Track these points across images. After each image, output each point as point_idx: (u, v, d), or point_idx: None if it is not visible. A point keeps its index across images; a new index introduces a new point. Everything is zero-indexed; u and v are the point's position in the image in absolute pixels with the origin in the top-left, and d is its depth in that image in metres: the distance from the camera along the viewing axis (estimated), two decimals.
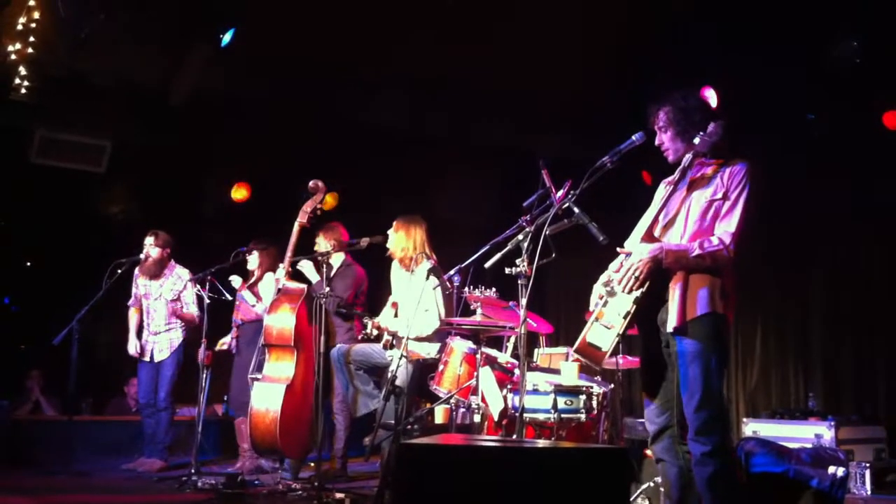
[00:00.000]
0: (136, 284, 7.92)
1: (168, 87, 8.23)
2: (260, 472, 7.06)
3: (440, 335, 6.38)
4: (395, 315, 6.73)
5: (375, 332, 6.58)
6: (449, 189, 10.31)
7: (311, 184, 7.05)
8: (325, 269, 6.45)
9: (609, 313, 3.97)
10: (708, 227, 4.03)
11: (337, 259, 7.33)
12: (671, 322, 3.96)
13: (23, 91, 7.72)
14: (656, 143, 4.29)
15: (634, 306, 3.92)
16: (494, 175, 9.82)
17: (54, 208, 9.47)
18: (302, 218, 6.94)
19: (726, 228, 3.96)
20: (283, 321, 6.57)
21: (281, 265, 6.81)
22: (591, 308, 4.16)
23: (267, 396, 6.43)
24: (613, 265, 4.26)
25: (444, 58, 7.74)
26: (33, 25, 7.00)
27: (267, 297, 7.09)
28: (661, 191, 4.39)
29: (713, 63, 7.19)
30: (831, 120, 7.57)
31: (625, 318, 3.92)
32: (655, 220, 4.15)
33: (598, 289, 4.20)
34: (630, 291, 3.92)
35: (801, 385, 8.62)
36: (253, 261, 7.58)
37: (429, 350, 6.35)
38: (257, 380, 6.63)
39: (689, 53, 7.16)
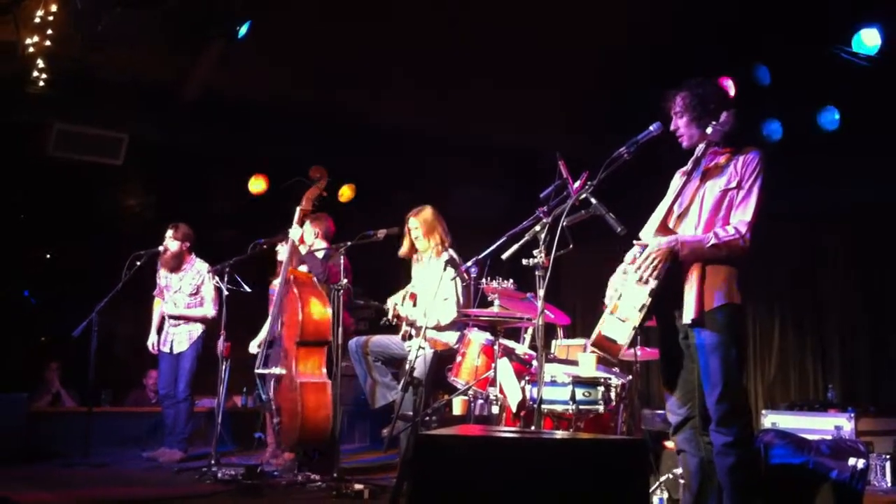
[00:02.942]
0: (158, 275, 7.96)
1: (183, 81, 8.25)
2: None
3: (458, 325, 6.38)
4: (414, 306, 6.72)
5: (395, 321, 6.56)
6: (462, 184, 10.34)
7: (312, 171, 7.07)
8: (342, 260, 6.45)
9: (624, 306, 3.97)
10: (723, 217, 4.03)
11: (318, 247, 7.32)
12: (688, 314, 3.95)
13: (40, 84, 7.74)
14: (671, 127, 4.29)
15: (650, 299, 3.91)
16: (507, 170, 9.84)
17: (73, 201, 9.51)
18: (306, 205, 6.95)
19: (741, 217, 3.96)
20: (320, 314, 6.53)
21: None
22: (605, 301, 4.16)
23: (318, 393, 6.41)
24: (628, 258, 4.25)
25: (454, 54, 7.74)
26: (51, 18, 7.02)
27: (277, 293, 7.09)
28: (677, 181, 4.39)
29: (724, 56, 7.17)
30: (846, 112, 7.52)
31: (640, 310, 3.91)
32: (670, 210, 4.14)
33: (613, 283, 4.20)
34: (647, 281, 3.91)
35: (820, 376, 8.59)
36: (284, 252, 7.60)
37: (448, 338, 6.35)
38: (273, 375, 6.64)
39: (699, 49, 7.14)
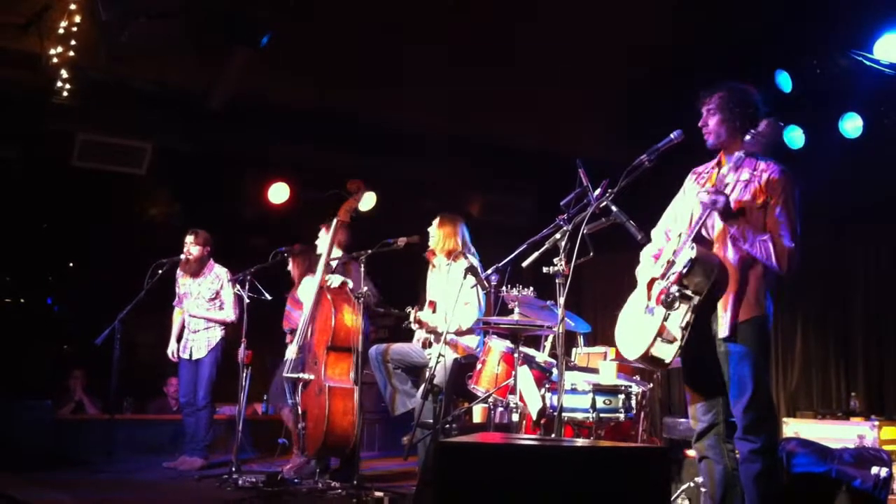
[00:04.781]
0: (178, 284, 8.00)
1: (208, 90, 8.31)
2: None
3: (479, 331, 6.37)
4: (433, 313, 6.71)
5: (416, 327, 6.55)
6: (483, 191, 10.35)
7: (350, 184, 7.12)
8: (363, 268, 6.46)
9: (671, 326, 3.94)
10: (756, 229, 3.99)
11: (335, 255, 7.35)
12: (722, 327, 3.96)
13: (64, 94, 7.80)
14: (700, 123, 4.27)
15: (693, 315, 3.89)
16: (531, 175, 9.84)
17: (96, 210, 9.58)
18: (343, 216, 7.03)
19: (781, 233, 3.94)
20: (350, 322, 6.61)
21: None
22: (645, 304, 4.12)
23: (344, 399, 6.47)
24: (650, 252, 4.25)
25: (473, 59, 7.76)
26: (74, 29, 7.08)
27: (306, 301, 7.10)
28: (691, 181, 4.38)
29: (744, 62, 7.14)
30: (872, 117, 7.48)
31: (685, 329, 3.90)
32: (702, 223, 4.08)
33: (642, 275, 4.20)
34: (690, 297, 3.89)
35: (843, 384, 8.52)
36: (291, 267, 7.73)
37: (469, 343, 6.33)
38: (299, 379, 6.68)
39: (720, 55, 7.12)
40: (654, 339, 3.94)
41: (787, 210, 3.98)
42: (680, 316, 3.92)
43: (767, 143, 4.11)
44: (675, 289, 3.95)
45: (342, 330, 6.59)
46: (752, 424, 3.88)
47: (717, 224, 4.11)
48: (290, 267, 7.76)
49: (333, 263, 7.10)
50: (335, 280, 6.85)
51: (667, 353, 3.93)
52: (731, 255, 4.01)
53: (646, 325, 4.01)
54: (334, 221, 7.06)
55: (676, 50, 7.29)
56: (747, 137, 4.08)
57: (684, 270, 3.93)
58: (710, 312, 4.00)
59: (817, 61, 7.18)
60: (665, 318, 3.95)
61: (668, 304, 3.95)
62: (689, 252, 3.94)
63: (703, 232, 4.08)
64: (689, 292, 3.90)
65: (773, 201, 4.00)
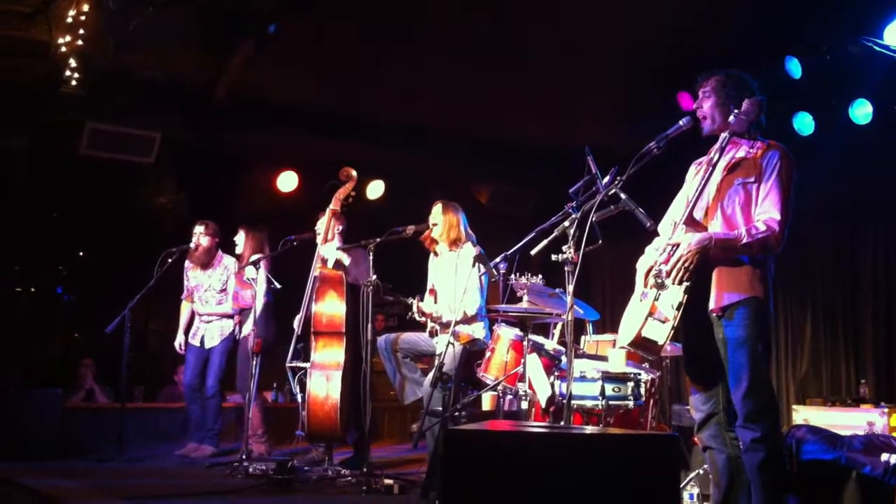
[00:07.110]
0: (186, 277, 8.02)
1: (214, 80, 8.31)
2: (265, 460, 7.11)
3: (483, 318, 6.37)
4: (435, 302, 6.71)
5: (420, 317, 6.54)
6: (490, 181, 10.34)
7: (341, 172, 7.16)
8: (371, 256, 6.46)
9: (662, 306, 3.91)
10: (747, 212, 3.98)
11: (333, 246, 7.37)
12: (712, 305, 3.93)
13: (73, 83, 7.81)
14: (694, 106, 4.25)
15: (686, 296, 3.87)
16: (538, 167, 9.83)
17: (105, 199, 9.60)
18: (335, 205, 7.10)
19: (771, 214, 3.89)
20: (333, 308, 6.68)
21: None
22: (641, 290, 4.12)
23: (325, 384, 6.53)
24: (655, 246, 4.23)
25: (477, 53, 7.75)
26: (83, 18, 7.08)
27: (255, 281, 7.23)
28: (692, 172, 4.37)
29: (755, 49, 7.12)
30: (882, 103, 7.45)
31: (678, 309, 3.86)
32: (695, 204, 4.09)
33: (641, 267, 4.18)
34: (680, 283, 3.87)
35: (853, 371, 8.52)
36: (240, 243, 7.78)
37: (476, 332, 6.32)
38: (300, 369, 6.73)
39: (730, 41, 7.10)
40: (646, 320, 3.91)
41: (780, 186, 3.94)
42: (672, 295, 3.91)
43: (750, 121, 4.10)
44: (664, 268, 3.94)
45: (323, 316, 6.69)
46: (752, 413, 3.84)
47: (706, 204, 4.10)
48: (242, 245, 7.88)
49: (333, 253, 7.11)
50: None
51: (659, 333, 3.89)
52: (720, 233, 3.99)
53: (639, 309, 4.01)
54: (328, 211, 7.10)
55: (684, 37, 7.25)
56: (731, 118, 4.08)
57: (671, 250, 3.94)
58: (705, 297, 3.98)
59: (827, 47, 7.16)
60: (656, 298, 3.95)
61: (659, 284, 3.94)
62: (680, 234, 3.95)
63: (696, 215, 4.06)
64: (679, 277, 3.90)
65: (767, 177, 3.97)
